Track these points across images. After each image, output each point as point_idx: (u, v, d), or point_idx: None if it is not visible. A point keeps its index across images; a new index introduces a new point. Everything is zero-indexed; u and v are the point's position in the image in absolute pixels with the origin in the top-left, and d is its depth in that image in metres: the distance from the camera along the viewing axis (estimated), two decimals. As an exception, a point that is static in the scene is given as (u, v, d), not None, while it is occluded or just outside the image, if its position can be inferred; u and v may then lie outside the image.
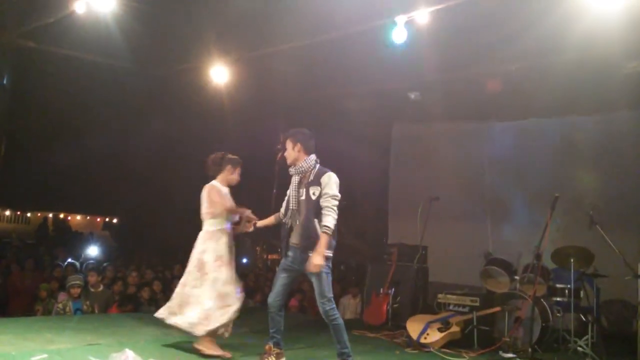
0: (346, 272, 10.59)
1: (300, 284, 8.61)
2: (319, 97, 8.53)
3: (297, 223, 4.31)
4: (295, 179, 4.41)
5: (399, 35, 5.32)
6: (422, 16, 5.17)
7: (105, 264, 10.42)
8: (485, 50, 6.49)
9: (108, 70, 8.14)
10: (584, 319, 5.89)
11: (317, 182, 4.23)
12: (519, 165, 8.63)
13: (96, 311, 7.73)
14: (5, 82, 11.02)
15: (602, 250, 6.10)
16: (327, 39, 6.05)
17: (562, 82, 6.96)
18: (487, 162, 8.88)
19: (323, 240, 4.05)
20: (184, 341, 5.54)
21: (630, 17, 4.76)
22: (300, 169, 4.32)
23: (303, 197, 4.28)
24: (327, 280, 4.14)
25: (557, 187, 7.50)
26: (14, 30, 7.08)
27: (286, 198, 4.51)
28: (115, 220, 22.66)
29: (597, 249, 6.04)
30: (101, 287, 8.13)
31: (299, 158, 4.34)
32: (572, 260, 5.84)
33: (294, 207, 4.36)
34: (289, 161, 4.38)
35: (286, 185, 4.51)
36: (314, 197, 4.19)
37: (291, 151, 4.35)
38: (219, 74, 7.14)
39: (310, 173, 4.32)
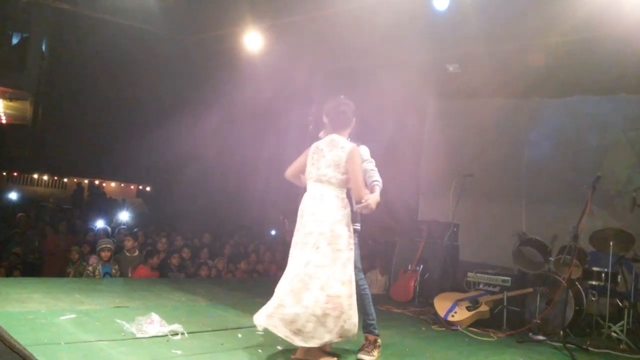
0: (374, 247, 10.51)
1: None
2: (354, 66, 8.32)
3: None
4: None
5: (441, 1, 5.09)
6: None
7: (135, 230, 10.58)
8: (533, 22, 6.16)
9: (144, 36, 8.11)
10: (620, 304, 5.67)
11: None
12: (560, 143, 8.29)
13: (130, 275, 7.86)
14: (44, 48, 11.20)
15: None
16: (363, 4, 5.83)
17: (611, 59, 6.61)
18: (526, 140, 8.57)
19: (376, 190, 3.97)
20: (212, 307, 5.59)
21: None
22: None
23: None
24: (356, 251, 4.06)
25: (600, 168, 7.25)
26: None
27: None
28: (148, 189, 23.07)
29: (639, 233, 5.78)
30: (137, 252, 8.25)
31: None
32: (611, 243, 5.60)
33: None
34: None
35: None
36: None
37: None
38: (253, 40, 7.03)
39: None
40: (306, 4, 6.22)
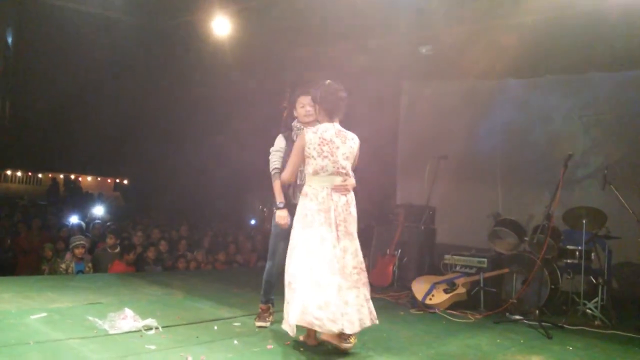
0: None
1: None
2: (326, 51, 8.23)
3: (300, 179, 4.20)
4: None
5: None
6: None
7: (108, 223, 10.43)
8: (503, 1, 6.14)
9: (111, 24, 7.91)
10: (594, 281, 5.74)
11: None
12: (531, 123, 8.33)
13: (108, 272, 7.73)
14: (9, 40, 10.87)
15: (615, 212, 5.91)
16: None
17: (577, 38, 6.64)
18: (499, 121, 8.59)
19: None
20: (188, 300, 5.52)
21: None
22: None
23: None
24: None
25: (573, 146, 7.30)
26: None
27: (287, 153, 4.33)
28: (125, 182, 22.75)
29: (611, 210, 5.85)
30: (117, 249, 8.10)
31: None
32: (584, 222, 5.65)
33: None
34: (310, 118, 4.24)
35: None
36: None
37: (312, 109, 4.14)
38: (221, 25, 6.90)
39: None
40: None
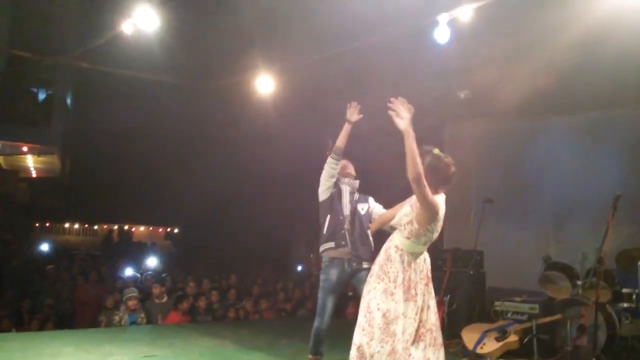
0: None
1: (357, 291, 8.56)
2: (367, 102, 8.43)
3: (349, 233, 4.42)
4: (346, 188, 4.58)
5: (442, 34, 5.18)
6: (465, 13, 5.00)
7: (164, 275, 10.71)
8: (534, 44, 6.21)
9: (161, 86, 8.40)
10: (655, 325, 5.51)
11: (365, 200, 4.61)
12: (581, 161, 8.16)
13: (159, 322, 7.95)
14: (69, 102, 11.64)
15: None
16: (370, 44, 5.97)
17: (626, 73, 6.56)
18: (544, 159, 8.48)
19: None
20: (238, 352, 5.62)
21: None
22: (356, 186, 4.64)
23: (352, 210, 4.50)
24: None
25: (623, 185, 7.10)
26: (72, 53, 7.41)
27: (332, 205, 4.51)
28: (176, 230, 23.37)
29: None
30: (165, 298, 8.33)
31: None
32: (638, 263, 5.47)
33: (346, 214, 4.50)
34: (352, 176, 4.64)
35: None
36: (363, 212, 4.52)
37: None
38: (264, 84, 7.22)
39: (356, 194, 4.63)
40: (318, 45, 6.39)
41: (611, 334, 5.57)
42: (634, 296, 5.64)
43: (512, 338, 5.69)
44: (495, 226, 8.05)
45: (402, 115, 3.27)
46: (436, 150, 3.47)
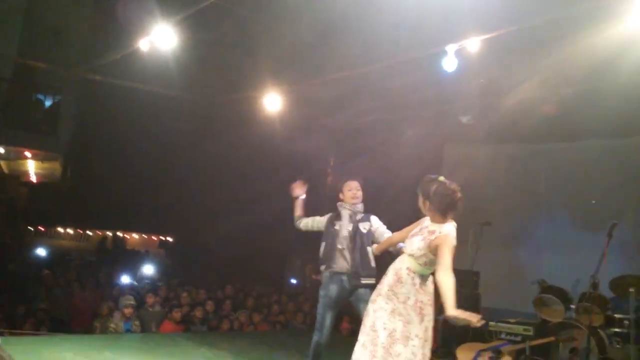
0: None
1: (351, 307, 8.64)
2: (370, 122, 8.64)
3: (349, 251, 4.55)
4: (344, 213, 4.71)
5: (449, 63, 5.34)
6: (473, 44, 5.18)
7: (159, 284, 10.76)
8: (537, 75, 6.42)
9: (166, 99, 8.53)
10: (645, 351, 5.63)
11: (367, 219, 4.69)
12: (577, 188, 8.34)
13: (153, 329, 8.02)
14: (73, 110, 11.72)
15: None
16: (378, 67, 6.15)
17: (620, 104, 6.76)
18: (542, 185, 8.65)
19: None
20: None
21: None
22: (357, 209, 4.70)
23: (353, 229, 4.61)
24: None
25: (618, 212, 7.27)
26: (82, 66, 7.56)
27: (330, 228, 4.70)
28: (170, 239, 23.34)
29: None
30: (158, 307, 8.43)
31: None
32: (631, 290, 5.61)
33: (344, 235, 4.62)
34: (357, 200, 4.70)
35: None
36: (364, 231, 4.60)
37: (361, 193, 4.74)
38: (272, 102, 7.36)
39: (359, 214, 4.72)
40: (324, 69, 6.57)
41: (602, 358, 5.69)
42: (626, 322, 5.77)
43: (506, 358, 5.79)
44: (492, 248, 8.18)
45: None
46: (442, 178, 3.60)
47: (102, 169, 13.52)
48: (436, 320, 6.94)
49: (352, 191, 4.69)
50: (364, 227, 4.62)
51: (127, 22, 5.94)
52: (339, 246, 4.57)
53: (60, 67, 7.35)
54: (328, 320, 4.53)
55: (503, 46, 5.27)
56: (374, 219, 4.71)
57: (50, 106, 10.88)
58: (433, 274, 3.57)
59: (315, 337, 4.58)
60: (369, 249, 4.53)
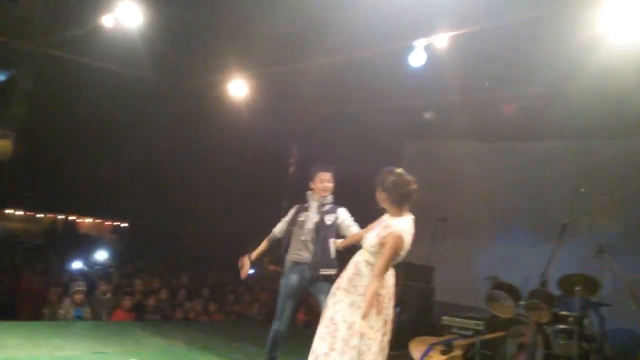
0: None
1: (305, 298, 8.67)
2: (335, 113, 8.65)
3: (312, 242, 4.54)
4: (313, 204, 4.68)
5: (417, 58, 5.37)
6: (442, 40, 5.21)
7: (111, 270, 10.53)
8: (504, 75, 6.55)
9: (128, 79, 8.28)
10: (587, 347, 5.87)
11: (334, 210, 4.65)
12: (532, 187, 8.57)
13: (104, 318, 7.84)
14: (28, 86, 11.20)
15: (608, 280, 6.10)
16: (347, 58, 6.14)
17: (581, 108, 6.97)
18: (499, 183, 8.86)
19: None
20: (190, 352, 5.63)
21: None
22: (326, 201, 4.66)
23: (319, 221, 4.59)
24: None
25: (570, 212, 7.52)
26: (41, 40, 7.23)
27: (296, 219, 4.69)
28: (123, 225, 22.82)
29: (604, 277, 6.04)
30: (109, 294, 8.24)
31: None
32: (577, 288, 5.83)
33: (309, 227, 4.60)
34: (326, 192, 4.65)
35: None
36: (329, 223, 4.58)
37: (332, 185, 4.67)
38: (238, 87, 7.25)
39: (326, 206, 4.69)
40: (292, 57, 6.52)
41: (547, 353, 5.90)
42: (571, 319, 5.99)
43: (457, 352, 5.94)
44: (448, 244, 8.34)
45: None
46: (399, 170, 3.69)
47: (56, 150, 13.04)
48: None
49: (324, 183, 4.63)
50: (329, 218, 4.61)
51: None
52: (302, 237, 4.58)
53: (15, 40, 7.00)
54: (288, 309, 4.55)
55: (470, 44, 5.33)
56: (342, 211, 4.66)
57: (3, 81, 10.37)
58: (394, 266, 3.63)
59: (275, 326, 4.60)
60: (330, 241, 4.53)
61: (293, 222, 4.69)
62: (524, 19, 4.89)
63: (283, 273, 4.63)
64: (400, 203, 3.60)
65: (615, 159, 7.86)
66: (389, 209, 3.65)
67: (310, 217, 4.63)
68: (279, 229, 4.78)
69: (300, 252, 4.56)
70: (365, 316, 3.34)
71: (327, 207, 4.66)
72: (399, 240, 3.47)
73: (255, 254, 4.75)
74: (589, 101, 6.66)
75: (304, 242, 4.56)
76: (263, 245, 4.77)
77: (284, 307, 4.55)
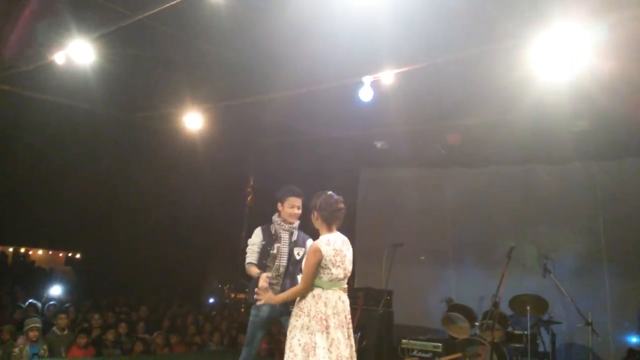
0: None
1: (283, 329, 8.66)
2: (293, 142, 8.83)
3: (282, 276, 4.55)
4: (284, 235, 4.65)
5: (365, 93, 5.62)
6: (388, 77, 5.48)
7: (67, 305, 10.25)
8: (447, 107, 6.90)
9: (80, 114, 8.23)
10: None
11: (302, 244, 4.65)
12: (480, 210, 8.91)
13: (63, 355, 7.62)
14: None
15: (557, 298, 6.43)
16: (300, 92, 6.33)
17: (520, 135, 7.37)
18: (450, 208, 9.18)
19: None
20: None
21: (573, 85, 5.23)
22: (294, 228, 4.66)
23: (288, 255, 4.59)
24: None
25: (517, 234, 7.87)
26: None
27: (267, 250, 4.62)
28: (78, 256, 22.20)
29: (552, 296, 6.36)
30: (66, 331, 8.03)
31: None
32: (528, 308, 6.11)
33: (283, 263, 4.58)
34: (294, 219, 4.61)
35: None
36: (298, 257, 4.59)
37: (300, 212, 4.61)
38: (193, 120, 7.34)
39: (295, 233, 4.68)
40: (248, 90, 6.67)
41: (503, 372, 6.14)
42: (524, 337, 6.26)
43: (417, 375, 6.11)
44: (404, 268, 8.54)
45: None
46: (329, 192, 4.02)
47: (6, 180, 12.70)
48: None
49: (294, 209, 4.57)
50: (297, 252, 4.60)
51: (42, 35, 5.70)
52: (274, 273, 4.52)
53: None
54: (257, 338, 4.62)
55: (414, 81, 5.63)
56: (310, 242, 4.50)
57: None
58: (340, 288, 3.85)
59: (244, 354, 4.64)
60: (298, 277, 4.49)
61: (264, 252, 4.61)
62: (461, 57, 5.21)
63: (254, 304, 4.61)
64: (330, 221, 3.91)
65: (556, 183, 8.26)
66: (320, 227, 3.95)
67: (282, 251, 4.60)
68: (254, 259, 4.62)
69: (273, 287, 4.57)
70: (267, 301, 4.04)
71: (295, 236, 4.64)
72: (315, 250, 3.76)
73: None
74: (526, 130, 7.07)
75: (276, 277, 4.57)
76: (257, 269, 4.56)
77: (254, 336, 4.60)
